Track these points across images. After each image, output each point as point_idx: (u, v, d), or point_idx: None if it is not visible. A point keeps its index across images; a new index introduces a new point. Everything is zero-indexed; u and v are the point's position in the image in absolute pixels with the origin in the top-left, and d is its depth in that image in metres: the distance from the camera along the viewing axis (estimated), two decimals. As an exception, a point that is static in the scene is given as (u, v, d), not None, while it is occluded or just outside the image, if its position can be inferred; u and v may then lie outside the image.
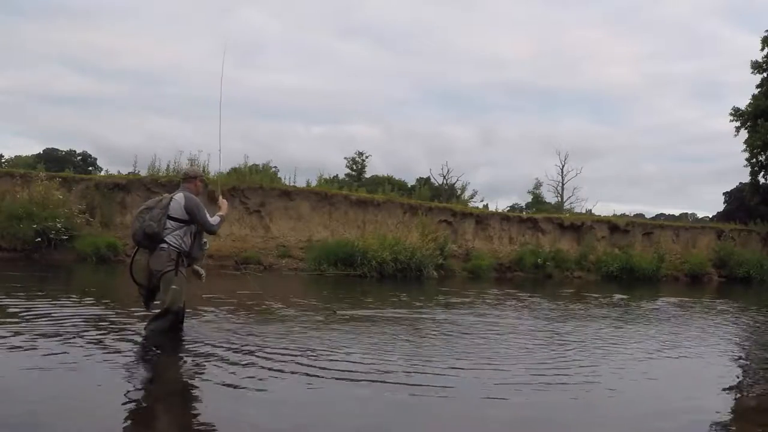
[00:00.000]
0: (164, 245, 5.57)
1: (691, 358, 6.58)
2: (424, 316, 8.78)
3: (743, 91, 67.69)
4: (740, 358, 7.09)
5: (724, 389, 5.33)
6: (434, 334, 7.20)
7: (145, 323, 5.79)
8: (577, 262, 20.65)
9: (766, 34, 28.11)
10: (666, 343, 7.42)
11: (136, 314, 6.94)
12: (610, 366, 5.84)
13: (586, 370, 5.58)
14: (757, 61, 28.42)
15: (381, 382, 4.72)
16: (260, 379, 4.63)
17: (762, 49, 28.17)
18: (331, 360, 5.34)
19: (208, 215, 5.79)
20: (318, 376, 4.77)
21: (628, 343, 7.26)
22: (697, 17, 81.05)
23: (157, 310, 5.68)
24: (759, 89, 28.54)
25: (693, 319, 10.53)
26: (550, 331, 7.80)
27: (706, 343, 7.64)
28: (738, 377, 6.02)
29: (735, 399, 5.21)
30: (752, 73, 28.69)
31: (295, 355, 5.39)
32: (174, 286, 5.53)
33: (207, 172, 17.26)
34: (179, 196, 5.71)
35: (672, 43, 78.62)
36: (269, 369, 4.89)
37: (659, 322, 9.57)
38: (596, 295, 14.09)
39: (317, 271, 15.28)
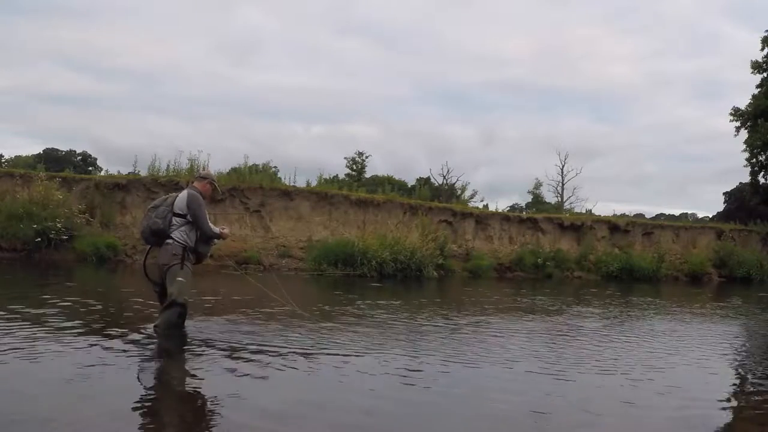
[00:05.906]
0: (170, 240, 5.77)
1: None
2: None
3: (744, 91, 67.78)
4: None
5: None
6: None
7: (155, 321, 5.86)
8: (577, 262, 20.65)
9: (766, 34, 28.16)
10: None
11: (140, 312, 6.93)
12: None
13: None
14: (757, 61, 28.43)
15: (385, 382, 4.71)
16: (262, 378, 4.63)
17: (762, 49, 28.21)
18: (343, 361, 5.34)
19: (209, 220, 5.96)
20: (323, 376, 4.77)
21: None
22: (698, 16, 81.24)
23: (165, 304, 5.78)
24: (759, 89, 28.54)
25: None
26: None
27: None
28: None
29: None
30: (752, 73, 28.73)
31: (300, 355, 5.39)
32: (180, 278, 5.69)
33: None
34: (184, 193, 5.91)
35: (672, 42, 78.83)
36: (272, 368, 4.89)
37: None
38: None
39: (317, 271, 15.27)
